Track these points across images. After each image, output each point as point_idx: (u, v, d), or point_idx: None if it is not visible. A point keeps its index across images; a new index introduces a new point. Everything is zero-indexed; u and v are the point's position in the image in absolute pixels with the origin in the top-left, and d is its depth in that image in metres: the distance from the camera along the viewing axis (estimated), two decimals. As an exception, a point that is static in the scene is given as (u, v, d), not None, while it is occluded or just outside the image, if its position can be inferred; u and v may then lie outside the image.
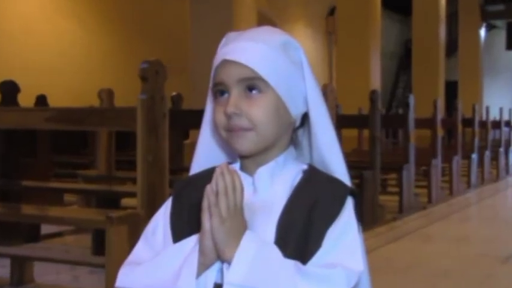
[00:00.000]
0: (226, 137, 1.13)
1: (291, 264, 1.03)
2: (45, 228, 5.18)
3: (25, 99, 5.49)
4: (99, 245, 4.13)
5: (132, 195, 3.54)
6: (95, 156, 6.12)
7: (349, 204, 1.11)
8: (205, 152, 1.22)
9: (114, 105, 5.50)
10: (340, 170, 1.16)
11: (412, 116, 7.33)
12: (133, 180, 3.95)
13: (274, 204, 1.10)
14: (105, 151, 5.32)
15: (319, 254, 1.05)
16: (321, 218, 1.07)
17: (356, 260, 1.06)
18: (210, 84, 1.16)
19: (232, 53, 1.11)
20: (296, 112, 1.14)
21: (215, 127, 1.15)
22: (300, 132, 1.20)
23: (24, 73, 9.60)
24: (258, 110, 1.10)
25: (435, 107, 8.54)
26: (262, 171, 1.14)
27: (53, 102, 7.71)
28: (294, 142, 1.19)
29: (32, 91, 7.87)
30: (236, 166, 1.16)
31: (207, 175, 1.08)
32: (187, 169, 1.27)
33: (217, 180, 1.00)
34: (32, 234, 5.04)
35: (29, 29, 11.34)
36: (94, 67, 12.25)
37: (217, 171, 1.01)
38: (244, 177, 1.11)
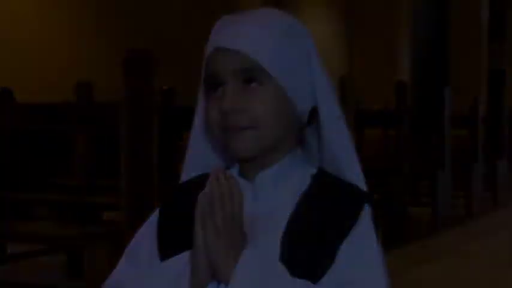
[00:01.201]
0: (222, 137, 1.14)
1: (299, 284, 1.05)
2: (12, 247, 5.21)
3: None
4: (75, 267, 4.15)
5: (114, 207, 3.57)
6: (70, 162, 6.15)
7: (366, 212, 1.12)
8: (198, 156, 1.24)
9: (93, 101, 5.53)
10: (354, 174, 1.17)
11: (448, 112, 7.34)
12: (117, 190, 3.97)
13: (279, 215, 1.12)
14: (82, 155, 5.35)
15: (332, 271, 1.07)
16: (333, 229, 1.09)
17: (376, 277, 1.08)
18: (202, 77, 1.17)
19: (226, 40, 1.12)
20: (303, 107, 1.16)
21: (209, 126, 1.16)
22: (308, 130, 1.21)
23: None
24: (258, 105, 1.11)
25: (476, 101, 8.54)
26: (264, 176, 1.15)
27: (20, 97, 7.75)
28: (301, 142, 1.20)
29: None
30: (234, 171, 1.17)
31: (200, 182, 1.10)
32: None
33: (212, 186, 1.02)
34: (-3, 255, 5.06)
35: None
36: (69, 55, 12.27)
37: (212, 177, 1.03)
38: (243, 184, 1.12)
